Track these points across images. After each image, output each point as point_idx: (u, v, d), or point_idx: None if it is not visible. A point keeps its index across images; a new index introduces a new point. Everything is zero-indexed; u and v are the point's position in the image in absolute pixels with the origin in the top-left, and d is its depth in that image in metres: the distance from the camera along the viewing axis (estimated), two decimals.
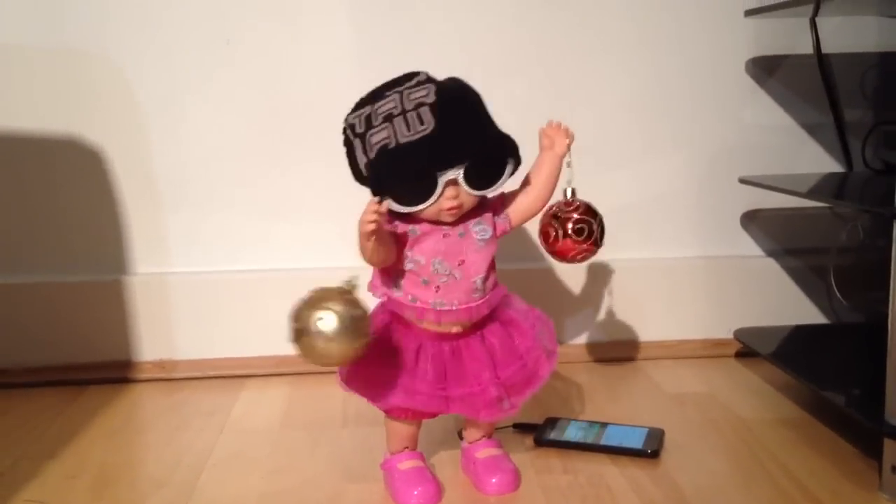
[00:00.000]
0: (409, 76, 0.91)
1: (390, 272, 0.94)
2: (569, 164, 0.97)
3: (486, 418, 0.97)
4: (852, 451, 1.08)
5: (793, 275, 1.48)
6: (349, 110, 0.93)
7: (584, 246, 0.98)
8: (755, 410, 1.23)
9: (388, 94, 0.90)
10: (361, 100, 0.92)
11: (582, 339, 1.47)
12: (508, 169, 0.92)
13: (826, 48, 1.35)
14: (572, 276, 1.44)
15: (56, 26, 1.34)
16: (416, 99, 0.88)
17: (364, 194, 1.37)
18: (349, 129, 0.92)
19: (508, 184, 0.94)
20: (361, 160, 0.91)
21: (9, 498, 1.00)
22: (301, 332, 0.82)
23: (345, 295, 0.84)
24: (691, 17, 1.41)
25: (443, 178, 0.88)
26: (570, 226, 0.98)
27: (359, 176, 0.93)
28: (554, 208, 1.00)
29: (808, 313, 1.48)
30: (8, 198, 1.39)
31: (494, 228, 0.95)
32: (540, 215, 1.00)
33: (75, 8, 1.33)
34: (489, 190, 0.92)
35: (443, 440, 1.10)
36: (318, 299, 0.83)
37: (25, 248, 1.40)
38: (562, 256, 1.00)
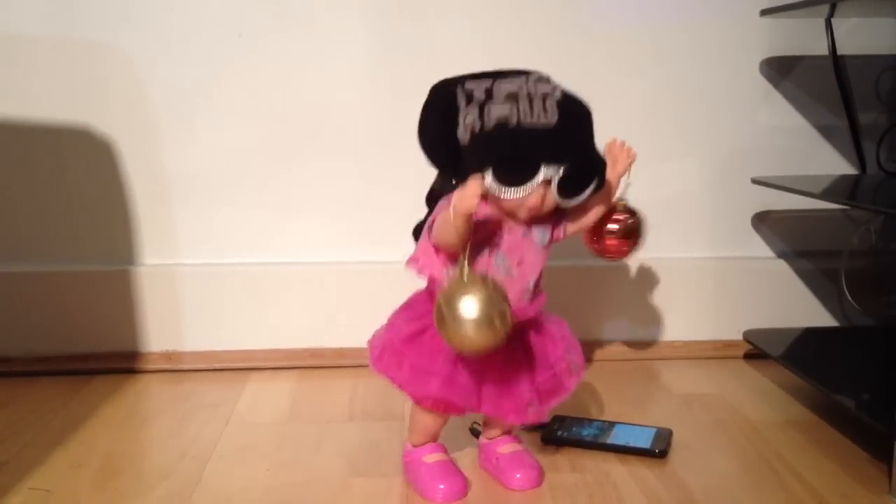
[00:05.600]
0: (524, 71, 0.89)
1: (450, 258, 0.92)
2: (629, 183, 0.99)
3: (514, 421, 0.97)
4: (862, 454, 1.07)
5: (804, 277, 1.47)
6: (458, 77, 0.89)
7: (626, 247, 1.03)
8: (764, 412, 1.22)
9: (509, 76, 0.88)
10: (476, 74, 0.89)
11: (591, 338, 1.46)
12: (591, 188, 0.91)
13: (841, 50, 1.34)
14: (582, 275, 1.43)
15: (68, 18, 1.33)
16: (542, 90, 0.86)
17: (377, 189, 1.40)
18: (464, 92, 0.87)
19: None
20: (469, 125, 0.86)
21: (14, 485, 1.00)
22: (444, 317, 0.83)
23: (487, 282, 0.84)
24: (705, 16, 1.40)
25: (542, 174, 0.86)
26: (616, 227, 1.02)
27: (441, 140, 0.88)
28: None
29: (819, 316, 1.47)
30: (18, 188, 1.39)
31: (552, 235, 0.95)
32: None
33: (88, 0, 1.33)
34: (571, 201, 0.90)
35: (453, 436, 1.09)
36: (461, 286, 0.83)
37: (35, 237, 1.40)
38: (606, 254, 1.04)
